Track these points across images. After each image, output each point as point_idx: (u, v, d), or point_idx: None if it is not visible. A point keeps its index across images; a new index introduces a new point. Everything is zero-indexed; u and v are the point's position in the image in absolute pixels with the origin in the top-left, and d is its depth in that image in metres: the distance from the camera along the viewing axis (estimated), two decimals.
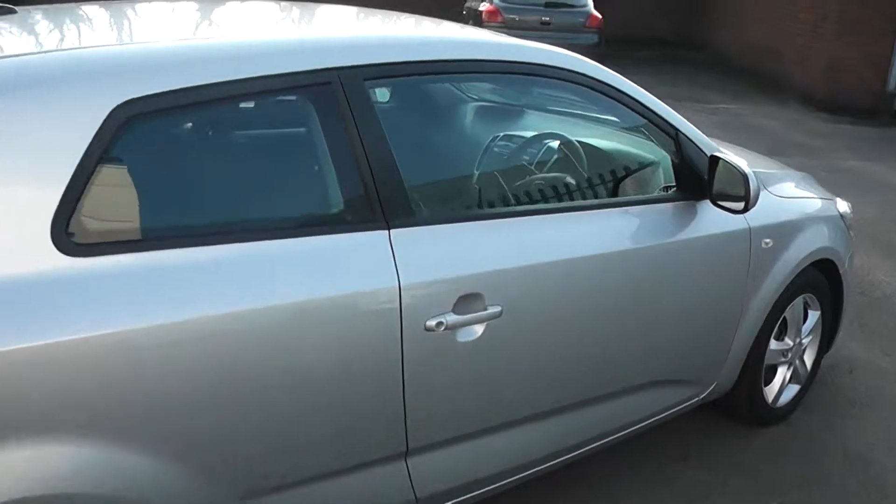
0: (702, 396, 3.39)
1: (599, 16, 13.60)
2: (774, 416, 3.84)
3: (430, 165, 2.84)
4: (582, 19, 13.50)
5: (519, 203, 2.86)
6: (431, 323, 2.33)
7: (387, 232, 2.30)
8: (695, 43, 20.21)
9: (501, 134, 3.45)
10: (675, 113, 3.10)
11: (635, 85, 3.03)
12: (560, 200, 2.95)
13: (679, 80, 15.18)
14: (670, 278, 2.96)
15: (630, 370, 3.00)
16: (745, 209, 2.88)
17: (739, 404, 3.69)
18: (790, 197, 3.58)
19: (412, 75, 2.55)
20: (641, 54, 18.00)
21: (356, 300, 2.23)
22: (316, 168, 2.35)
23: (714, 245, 3.07)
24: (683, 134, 3.05)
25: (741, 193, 2.87)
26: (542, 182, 3.06)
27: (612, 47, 14.89)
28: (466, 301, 2.40)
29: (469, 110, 3.62)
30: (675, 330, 3.08)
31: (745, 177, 2.84)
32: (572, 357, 2.77)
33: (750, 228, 3.18)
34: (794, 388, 3.91)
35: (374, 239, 2.29)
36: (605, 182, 3.13)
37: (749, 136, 10.45)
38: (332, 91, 2.28)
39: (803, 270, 3.54)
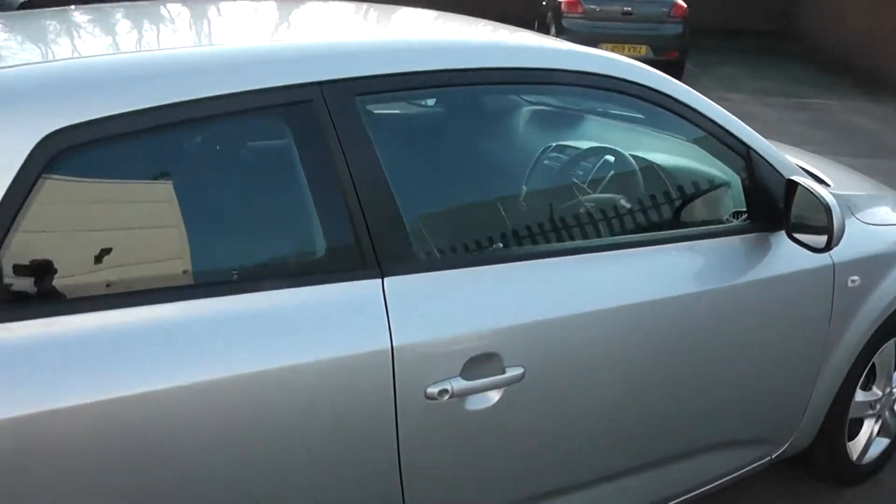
0: (773, 456, 2.92)
1: (685, 4, 12.91)
2: (859, 474, 3.34)
3: (440, 197, 2.41)
4: (666, 8, 12.80)
5: (554, 238, 2.42)
6: (433, 390, 1.93)
7: (380, 281, 1.91)
8: (788, 34, 19.28)
9: (542, 151, 3.02)
10: (747, 127, 2.63)
11: (700, 95, 2.57)
12: (608, 232, 2.50)
13: (769, 73, 14.43)
14: (738, 326, 2.50)
15: (687, 434, 2.55)
16: (827, 247, 2.40)
17: (819, 461, 3.20)
18: (883, 224, 3.06)
19: (418, 89, 2.13)
20: (730, 45, 17.20)
21: (337, 367, 1.84)
22: (292, 206, 1.95)
23: (790, 286, 2.60)
24: (756, 152, 2.57)
25: (823, 226, 2.40)
26: (590, 206, 2.63)
27: (698, 38, 14.21)
28: (479, 363, 1.99)
29: (498, 127, 3.15)
30: (743, 386, 2.61)
31: (828, 208, 2.36)
32: (613, 423, 2.34)
33: (834, 265, 2.70)
34: (882, 443, 3.39)
35: (363, 291, 1.90)
36: (666, 205, 2.68)
37: (840, 135, 9.79)
38: (314, 110, 1.89)
39: None
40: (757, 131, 2.67)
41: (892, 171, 8.04)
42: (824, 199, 2.36)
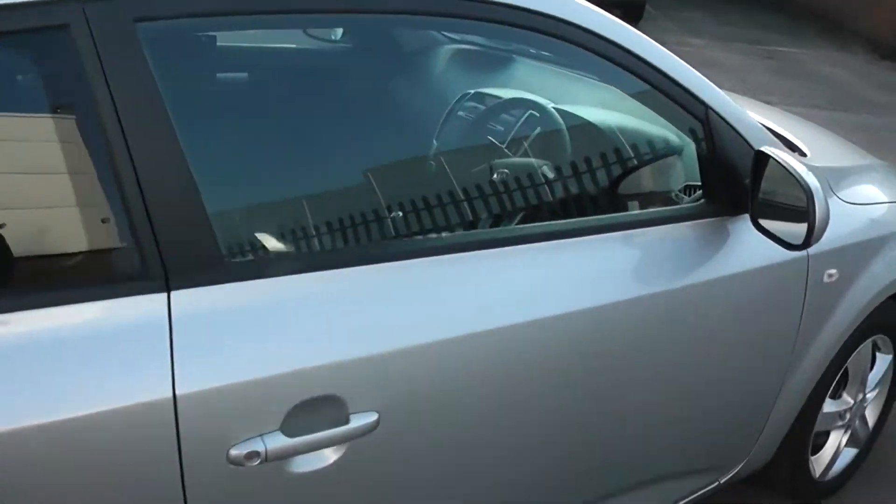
0: (721, 482, 2.39)
1: None
2: (821, 490, 2.84)
3: (274, 169, 1.78)
4: None
5: (444, 226, 1.83)
6: (238, 452, 1.34)
7: (164, 297, 1.31)
8: None
9: (457, 99, 2.43)
10: (707, 81, 2.05)
11: (648, 38, 1.98)
12: (519, 216, 1.92)
13: (733, 18, 13.83)
14: (683, 340, 1.94)
15: (612, 475, 2.01)
16: (806, 244, 1.84)
17: (776, 479, 2.69)
18: (867, 203, 2.51)
19: (239, 14, 1.48)
20: None
21: (93, 427, 1.25)
22: (34, 183, 1.34)
23: (752, 286, 2.04)
24: (716, 112, 1.99)
25: (801, 214, 1.83)
26: (502, 176, 2.06)
27: None
28: (310, 410, 1.41)
29: (380, 70, 2.45)
30: (685, 415, 2.07)
31: (810, 193, 1.78)
32: (509, 473, 1.78)
33: (808, 256, 2.14)
34: (850, 453, 2.89)
35: (138, 313, 1.30)
36: (600, 174, 2.10)
37: (808, 86, 9.29)
38: (72, 41, 1.27)
39: (879, 306, 2.49)
40: (719, 79, 2.10)
41: (861, 125, 7.57)
42: (805, 181, 1.79)
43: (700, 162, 2.02)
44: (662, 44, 2.02)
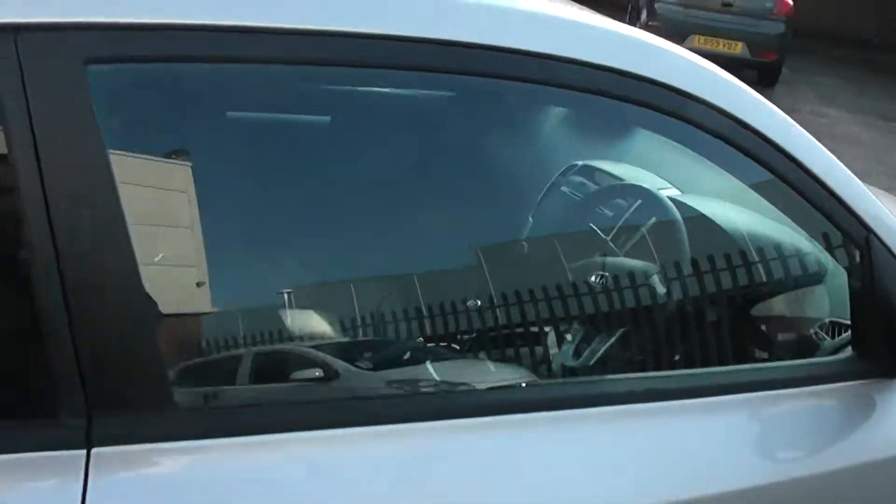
0: None
1: (791, 1, 11.66)
2: None
3: (266, 267, 1.33)
4: (769, 4, 11.56)
5: (525, 368, 1.43)
6: None
7: (82, 455, 0.93)
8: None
9: (562, 171, 2.05)
10: (871, 196, 1.61)
11: (805, 134, 1.56)
12: (604, 342, 1.52)
13: (871, 89, 13.08)
14: None
15: None
16: None
17: None
18: None
19: (238, 61, 1.10)
20: (835, 54, 15.73)
21: None
22: None
23: None
24: (881, 241, 1.54)
25: None
26: (598, 283, 1.66)
27: (800, 41, 12.91)
28: None
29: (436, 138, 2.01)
30: None
31: None
32: None
33: None
34: None
35: (34, 473, 0.93)
36: (717, 305, 1.68)
37: None
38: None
39: None
40: (854, 156, 1.65)
41: None
42: None
43: (852, 300, 1.58)
44: (796, 112, 1.60)
